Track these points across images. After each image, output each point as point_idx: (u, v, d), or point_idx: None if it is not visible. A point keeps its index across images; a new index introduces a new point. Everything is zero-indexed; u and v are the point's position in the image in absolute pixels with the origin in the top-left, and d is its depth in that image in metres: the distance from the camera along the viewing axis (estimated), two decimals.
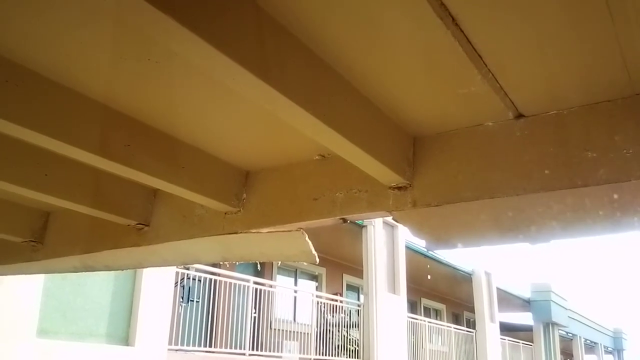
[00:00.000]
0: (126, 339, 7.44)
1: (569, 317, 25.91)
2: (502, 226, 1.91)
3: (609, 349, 39.39)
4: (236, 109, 1.88)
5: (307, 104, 1.47)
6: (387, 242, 13.44)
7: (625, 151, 1.58)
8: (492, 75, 1.56)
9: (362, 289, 13.59)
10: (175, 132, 2.04)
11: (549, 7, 1.34)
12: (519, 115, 1.76)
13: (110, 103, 1.85)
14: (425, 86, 1.70)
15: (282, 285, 12.96)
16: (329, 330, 11.97)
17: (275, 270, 13.62)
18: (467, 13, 1.35)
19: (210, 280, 9.10)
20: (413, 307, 19.34)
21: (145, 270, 7.26)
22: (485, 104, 1.71)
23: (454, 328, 18.02)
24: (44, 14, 1.42)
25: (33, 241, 2.91)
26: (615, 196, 1.65)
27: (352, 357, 12.17)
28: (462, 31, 1.39)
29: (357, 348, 12.31)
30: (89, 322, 7.02)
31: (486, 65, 1.52)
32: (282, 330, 11.11)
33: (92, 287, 7.06)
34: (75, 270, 3.12)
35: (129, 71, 1.67)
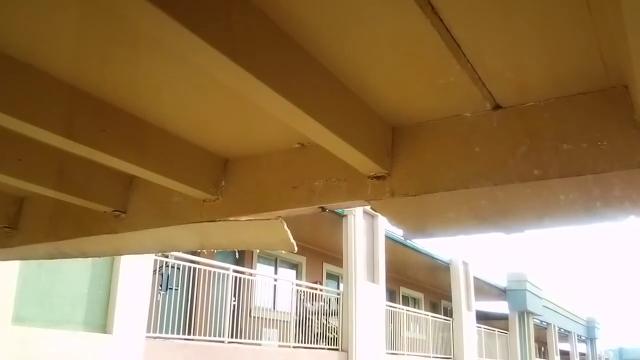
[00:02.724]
0: (104, 327, 7.40)
1: (543, 306, 26.37)
2: (478, 216, 1.92)
3: (582, 337, 40.17)
4: (214, 96, 1.86)
5: (279, 87, 1.45)
6: (367, 232, 13.51)
7: (599, 143, 1.60)
8: (471, 65, 1.56)
9: (341, 277, 13.66)
10: (151, 117, 2.01)
11: None
12: (497, 107, 1.77)
13: (83, 86, 1.81)
14: (404, 75, 1.70)
15: (262, 273, 12.97)
16: (309, 319, 12.02)
17: (255, 258, 13.63)
18: (446, 2, 1.35)
19: (190, 268, 9.08)
20: (392, 295, 19.50)
21: (123, 257, 7.21)
22: (464, 94, 1.72)
23: (432, 316, 18.22)
24: None
25: (7, 227, 2.87)
26: (590, 187, 1.67)
27: (331, 345, 12.24)
28: (441, 20, 1.39)
29: (336, 336, 12.39)
30: (65, 310, 6.96)
31: (465, 56, 1.52)
32: (262, 318, 11.13)
33: (69, 274, 7.00)
34: (51, 257, 3.09)
35: (101, 54, 1.65)
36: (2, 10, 1.46)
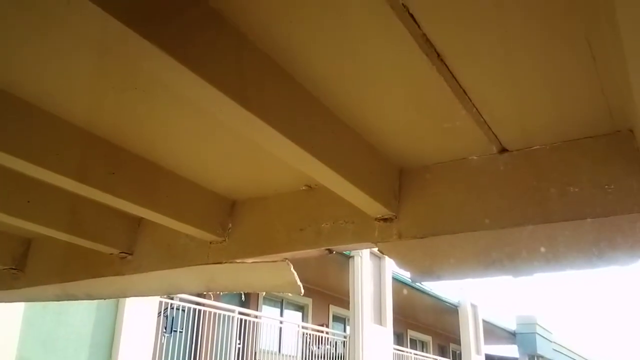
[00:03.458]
0: None
1: (554, 349, 25.87)
2: (485, 259, 1.91)
3: None
4: (222, 138, 1.88)
5: (287, 131, 1.47)
6: (374, 273, 13.40)
7: (607, 187, 1.60)
8: (477, 110, 1.58)
9: (348, 320, 13.48)
10: (160, 160, 2.03)
11: (531, 44, 1.37)
12: (503, 150, 1.78)
13: (94, 130, 1.84)
14: (411, 119, 1.72)
15: (267, 315, 12.82)
16: None
17: (261, 300, 13.50)
18: (452, 49, 1.37)
19: (195, 310, 8.99)
20: (399, 338, 19.19)
21: (128, 299, 7.17)
22: (470, 138, 1.73)
23: None
24: (29, 40, 1.42)
25: (14, 268, 2.87)
26: (597, 231, 1.66)
27: None
28: (447, 67, 1.41)
29: None
30: (69, 352, 6.89)
31: (470, 100, 1.54)
32: None
33: (74, 316, 6.95)
34: (57, 298, 3.07)
35: (113, 99, 1.67)
36: (14, 55, 1.49)
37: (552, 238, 1.75)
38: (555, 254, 1.81)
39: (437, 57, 1.37)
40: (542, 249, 1.81)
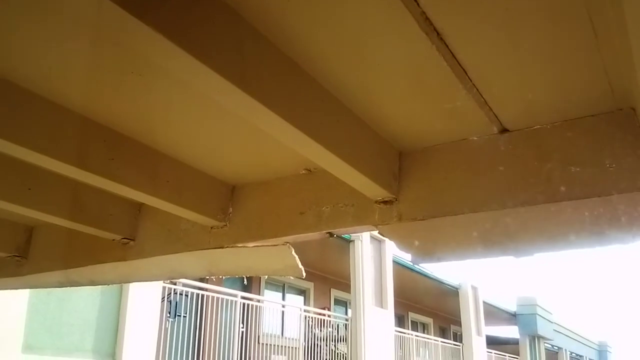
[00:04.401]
0: (113, 355, 7.35)
1: (554, 330, 26.02)
2: (486, 240, 1.92)
3: None
4: (221, 123, 1.87)
5: (287, 114, 1.46)
6: (375, 257, 13.44)
7: (608, 165, 1.60)
8: (477, 90, 1.57)
9: (349, 303, 13.56)
10: (160, 145, 2.03)
11: (532, 22, 1.35)
12: (503, 130, 1.78)
13: (92, 115, 1.83)
14: (411, 101, 1.71)
15: (269, 300, 12.89)
16: (317, 345, 11.91)
17: (263, 285, 13.56)
18: (452, 28, 1.36)
19: (198, 295, 9.04)
20: (400, 321, 19.31)
21: (131, 285, 7.20)
22: (470, 118, 1.72)
23: (441, 342, 18.00)
24: (24, 26, 1.41)
25: (17, 256, 2.88)
26: (599, 210, 1.66)
27: None
28: (447, 46, 1.40)
29: None
30: (74, 338, 6.94)
31: (471, 80, 1.53)
32: (270, 345, 11.04)
33: (78, 302, 6.99)
34: (60, 285, 3.09)
35: (111, 84, 1.67)
36: (12, 42, 1.48)
37: (554, 218, 1.75)
38: (556, 234, 1.81)
39: (436, 36, 1.36)
40: (543, 229, 1.81)
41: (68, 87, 1.70)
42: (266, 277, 11.66)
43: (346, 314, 15.08)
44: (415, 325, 21.16)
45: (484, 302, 19.98)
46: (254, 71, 1.39)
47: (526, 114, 1.72)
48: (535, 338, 24.38)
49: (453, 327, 24.05)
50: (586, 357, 35.69)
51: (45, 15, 1.37)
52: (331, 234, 2.12)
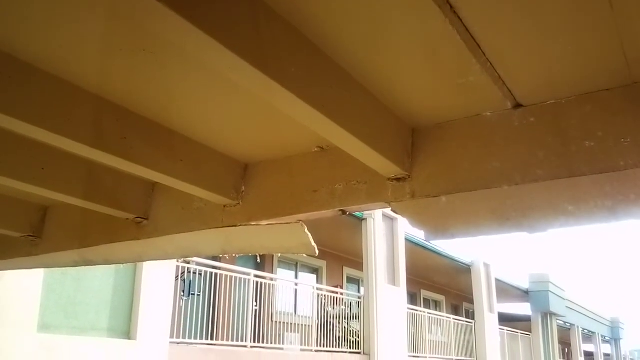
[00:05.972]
0: (128, 333, 7.45)
1: (566, 307, 26.02)
2: (500, 216, 1.91)
3: (607, 338, 39.54)
4: (234, 101, 1.87)
5: (303, 94, 1.46)
6: (387, 235, 13.46)
7: (623, 140, 1.58)
8: (491, 64, 1.55)
9: (362, 281, 13.62)
10: (173, 124, 2.03)
11: None
12: (517, 105, 1.76)
13: (106, 95, 1.84)
14: (424, 76, 1.69)
15: (282, 278, 12.98)
16: (330, 322, 12.00)
17: (275, 263, 13.64)
18: (465, 0, 1.34)
19: (211, 274, 9.11)
20: (413, 298, 19.38)
21: (145, 264, 7.26)
22: (484, 94, 1.71)
23: (454, 319, 18.07)
24: (37, 5, 1.41)
25: (32, 236, 2.91)
26: (613, 185, 1.65)
27: (353, 348, 12.20)
28: (461, 19, 1.38)
29: (357, 339, 12.34)
30: (90, 317, 7.03)
31: (484, 55, 1.52)
32: (284, 323, 11.13)
33: (93, 281, 7.07)
34: (75, 264, 3.12)
35: (124, 62, 1.66)
36: (26, 22, 1.48)
37: (567, 193, 1.74)
38: (569, 209, 1.80)
39: (450, 9, 1.34)
40: (557, 205, 1.80)
41: (81, 66, 1.70)
42: (279, 255, 11.72)
43: (359, 292, 15.16)
44: (427, 303, 21.24)
45: (496, 280, 19.99)
46: (269, 49, 1.38)
47: (540, 89, 1.69)
48: (547, 315, 24.41)
49: (465, 305, 24.12)
50: (598, 334, 35.73)
51: None
52: (344, 212, 2.12)
